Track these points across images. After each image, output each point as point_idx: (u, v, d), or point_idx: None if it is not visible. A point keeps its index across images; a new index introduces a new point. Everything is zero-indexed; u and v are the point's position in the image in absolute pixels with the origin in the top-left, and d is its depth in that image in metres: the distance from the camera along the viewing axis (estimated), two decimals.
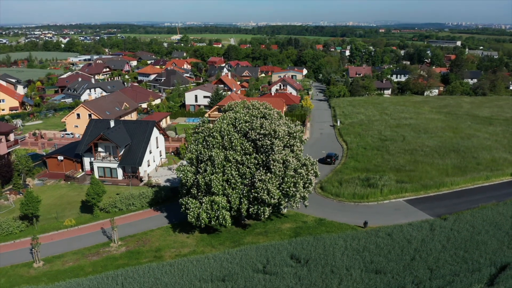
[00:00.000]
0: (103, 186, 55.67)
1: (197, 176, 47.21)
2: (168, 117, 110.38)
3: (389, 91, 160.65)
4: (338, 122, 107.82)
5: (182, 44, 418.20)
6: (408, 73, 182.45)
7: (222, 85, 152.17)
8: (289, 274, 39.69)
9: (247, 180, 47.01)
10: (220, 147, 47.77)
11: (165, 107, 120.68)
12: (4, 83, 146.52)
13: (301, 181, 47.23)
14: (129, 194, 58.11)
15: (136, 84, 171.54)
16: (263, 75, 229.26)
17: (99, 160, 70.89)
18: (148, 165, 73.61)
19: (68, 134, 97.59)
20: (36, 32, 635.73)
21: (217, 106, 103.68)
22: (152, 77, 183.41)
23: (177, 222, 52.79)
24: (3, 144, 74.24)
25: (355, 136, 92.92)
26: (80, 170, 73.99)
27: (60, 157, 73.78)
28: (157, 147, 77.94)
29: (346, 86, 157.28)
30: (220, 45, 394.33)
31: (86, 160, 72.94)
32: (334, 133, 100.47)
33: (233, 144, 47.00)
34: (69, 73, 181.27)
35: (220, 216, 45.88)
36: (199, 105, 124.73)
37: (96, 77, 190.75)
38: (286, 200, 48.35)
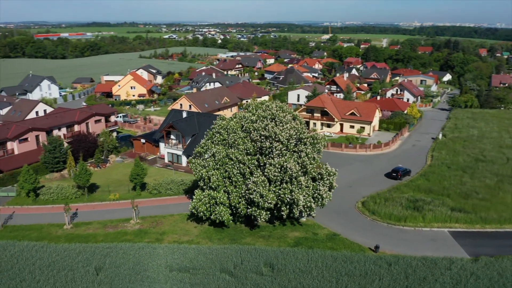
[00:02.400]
0: (146, 169, 61.70)
1: (202, 170, 48.79)
2: None
3: None
4: (440, 135, 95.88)
5: (329, 44, 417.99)
6: None
7: (335, 86, 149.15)
8: (251, 280, 38.68)
9: (248, 180, 46.69)
10: (227, 144, 48.38)
11: None
12: (145, 73, 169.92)
13: (298, 189, 44.75)
14: (171, 180, 62.86)
15: (258, 80, 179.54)
16: (397, 78, 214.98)
17: (169, 146, 77.90)
18: None
19: None
20: (204, 30, 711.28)
21: (305, 107, 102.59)
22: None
23: None
24: (102, 123, 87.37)
25: (448, 153, 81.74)
26: (158, 153, 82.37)
27: (143, 140, 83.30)
28: None
29: (480, 96, 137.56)
30: (367, 46, 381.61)
31: (162, 145, 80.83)
32: (429, 146, 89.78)
33: (236, 142, 47.15)
34: (204, 67, 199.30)
35: (217, 212, 46.76)
36: (300, 104, 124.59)
37: (229, 72, 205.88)
38: (287, 207, 46.38)
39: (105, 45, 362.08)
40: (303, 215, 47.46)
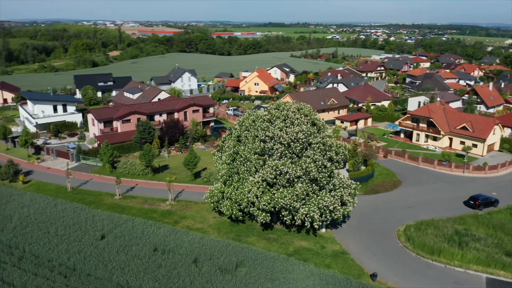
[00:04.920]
0: (199, 157, 65.81)
1: (220, 162, 50.18)
2: (370, 119, 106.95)
3: None
4: None
5: (511, 50, 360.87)
6: None
7: (475, 96, 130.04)
8: (213, 275, 39.31)
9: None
10: (241, 140, 48.58)
11: (375, 109, 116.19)
12: (278, 72, 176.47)
13: (293, 195, 42.37)
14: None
15: (393, 84, 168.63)
16: None
17: None
18: None
19: None
20: (372, 30, 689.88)
21: (409, 115, 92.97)
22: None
23: None
24: (199, 113, 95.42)
25: None
26: None
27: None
28: None
29: None
30: None
31: None
32: None
33: (247, 140, 46.99)
34: (341, 68, 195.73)
35: (223, 205, 47.79)
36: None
37: (369, 74, 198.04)
38: (287, 212, 44.44)
39: (266, 44, 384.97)
40: (306, 224, 44.66)
